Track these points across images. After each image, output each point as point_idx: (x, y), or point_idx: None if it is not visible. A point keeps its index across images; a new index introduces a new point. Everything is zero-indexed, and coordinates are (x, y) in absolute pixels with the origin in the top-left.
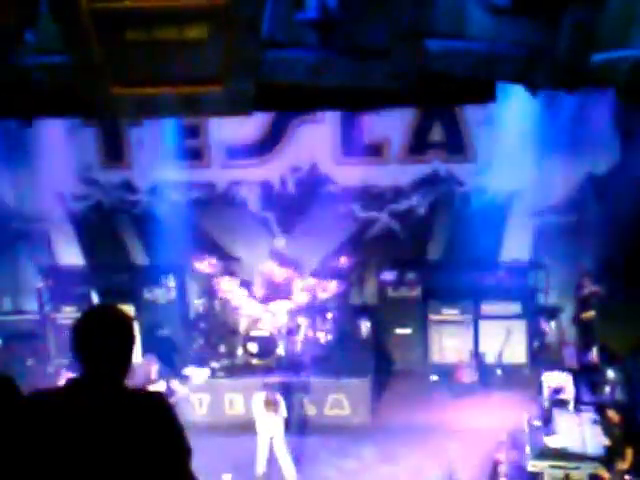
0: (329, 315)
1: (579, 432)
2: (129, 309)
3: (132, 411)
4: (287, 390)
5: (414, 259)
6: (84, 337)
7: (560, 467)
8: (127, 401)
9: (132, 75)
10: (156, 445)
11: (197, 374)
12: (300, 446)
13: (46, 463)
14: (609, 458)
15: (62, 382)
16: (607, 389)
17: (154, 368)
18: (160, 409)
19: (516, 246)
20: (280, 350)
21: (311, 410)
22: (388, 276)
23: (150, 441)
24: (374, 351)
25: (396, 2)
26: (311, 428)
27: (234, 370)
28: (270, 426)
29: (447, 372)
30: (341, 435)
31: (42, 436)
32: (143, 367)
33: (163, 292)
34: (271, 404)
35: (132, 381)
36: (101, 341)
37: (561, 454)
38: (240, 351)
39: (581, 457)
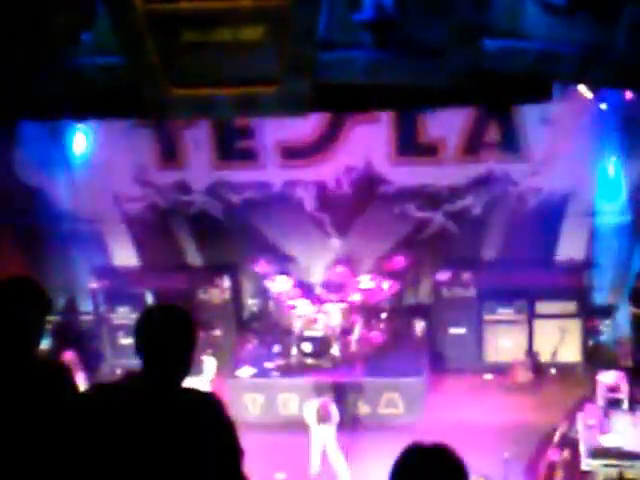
0: (384, 315)
1: (634, 431)
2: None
3: (187, 410)
4: (341, 390)
5: (469, 259)
6: (145, 334)
7: (614, 466)
8: (182, 400)
9: (188, 76)
10: (209, 445)
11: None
12: (353, 445)
13: (99, 457)
14: None
15: (120, 376)
16: None
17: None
18: (215, 409)
19: (571, 245)
20: (334, 350)
21: (365, 409)
22: (443, 276)
23: (203, 441)
24: (428, 350)
25: (453, 1)
26: (365, 427)
27: (288, 370)
28: (323, 434)
29: (501, 371)
30: (395, 434)
31: (96, 430)
32: None
33: (217, 292)
34: (323, 416)
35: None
36: (162, 339)
37: (615, 453)
38: (294, 351)
39: (636, 456)
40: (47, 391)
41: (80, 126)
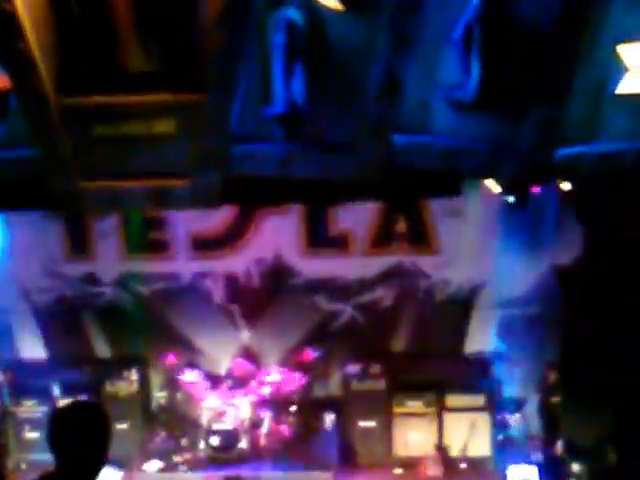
0: (293, 408)
1: None
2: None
3: None
4: None
5: (378, 351)
6: (59, 433)
7: None
8: None
9: (100, 169)
10: None
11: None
12: None
13: None
14: None
15: (36, 477)
16: None
17: None
18: None
19: (480, 338)
20: (243, 444)
21: None
22: (352, 368)
23: None
24: (338, 444)
25: (363, 97)
26: None
27: (196, 464)
28: None
29: (411, 465)
30: None
31: None
32: None
33: (125, 385)
34: None
35: None
36: (76, 438)
37: None
38: (202, 445)
39: None
40: None
41: None
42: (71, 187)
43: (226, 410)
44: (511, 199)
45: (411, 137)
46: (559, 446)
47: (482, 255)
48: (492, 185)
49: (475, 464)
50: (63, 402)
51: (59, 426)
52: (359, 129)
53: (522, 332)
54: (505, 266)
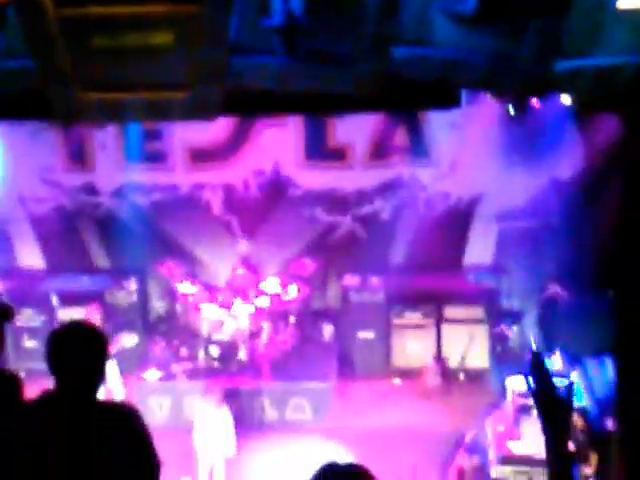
0: (291, 319)
1: (543, 438)
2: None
3: (105, 424)
4: (248, 394)
5: (377, 263)
6: (58, 352)
7: (524, 472)
8: (100, 414)
9: (98, 81)
10: (128, 457)
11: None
12: (260, 450)
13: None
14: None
15: (37, 394)
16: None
17: None
18: (133, 421)
19: (479, 250)
20: (242, 354)
21: (272, 414)
22: (351, 280)
23: (122, 453)
24: (337, 355)
25: (362, 9)
26: (272, 432)
27: (195, 373)
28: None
29: (410, 376)
30: (302, 439)
31: (16, 449)
32: None
33: (124, 295)
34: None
35: None
36: (75, 357)
37: (525, 460)
38: (201, 354)
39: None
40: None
41: None
42: (70, 98)
43: (225, 320)
44: (511, 111)
45: (411, 49)
46: (557, 357)
47: (481, 167)
48: (492, 97)
49: (473, 375)
50: (61, 312)
51: (58, 348)
52: (358, 42)
53: (521, 245)
54: (504, 178)
